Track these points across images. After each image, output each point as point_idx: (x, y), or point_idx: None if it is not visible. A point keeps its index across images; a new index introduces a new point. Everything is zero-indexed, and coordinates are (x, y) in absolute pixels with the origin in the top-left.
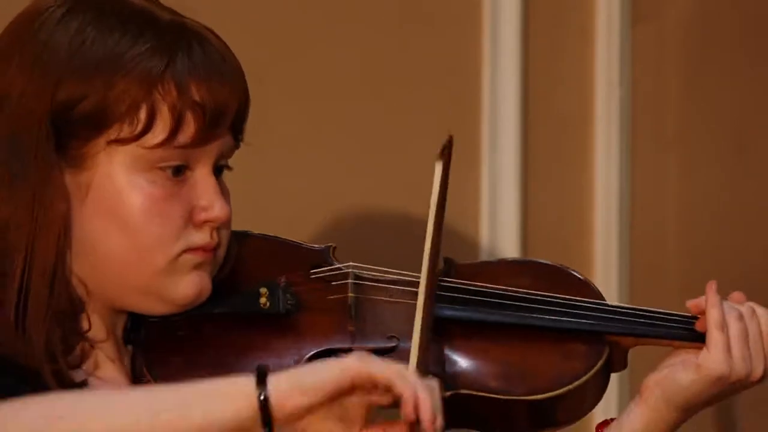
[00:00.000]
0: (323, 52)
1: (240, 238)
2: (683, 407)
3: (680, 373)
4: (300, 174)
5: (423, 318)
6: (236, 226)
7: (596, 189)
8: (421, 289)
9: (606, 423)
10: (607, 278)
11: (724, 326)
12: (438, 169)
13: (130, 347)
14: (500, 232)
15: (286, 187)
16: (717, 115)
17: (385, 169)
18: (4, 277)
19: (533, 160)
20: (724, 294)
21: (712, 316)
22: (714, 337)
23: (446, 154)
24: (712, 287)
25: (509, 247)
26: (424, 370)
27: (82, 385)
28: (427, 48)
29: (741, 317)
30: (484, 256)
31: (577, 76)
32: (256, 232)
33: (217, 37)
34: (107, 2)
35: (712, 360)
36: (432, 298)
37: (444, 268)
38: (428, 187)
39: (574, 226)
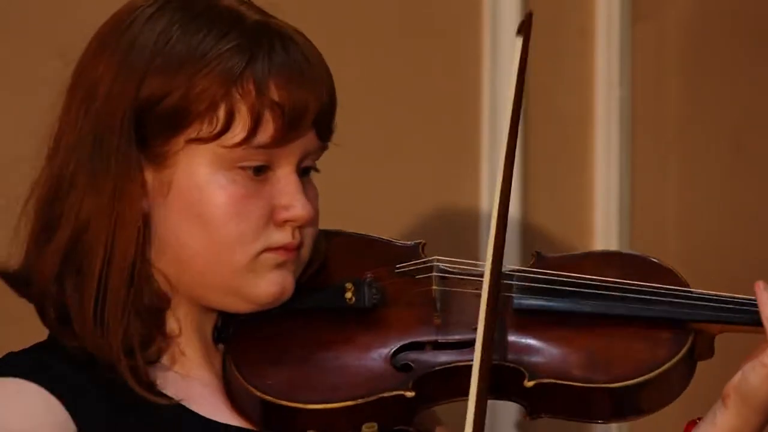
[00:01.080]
0: (322, 51)
1: (331, 235)
2: (763, 409)
3: (751, 374)
4: None
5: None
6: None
7: (596, 189)
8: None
9: (694, 423)
10: None
11: None
12: (516, 45)
13: (221, 346)
14: None
15: None
16: (717, 114)
17: (384, 170)
18: (84, 271)
19: (533, 160)
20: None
21: (764, 314)
22: None
23: (525, 30)
24: (759, 286)
25: (509, 248)
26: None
27: (153, 385)
28: (427, 48)
29: None
30: (484, 257)
31: (577, 76)
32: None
33: (304, 38)
34: (197, 2)
35: None
36: (499, 270)
37: (532, 261)
38: (428, 188)
39: (574, 226)
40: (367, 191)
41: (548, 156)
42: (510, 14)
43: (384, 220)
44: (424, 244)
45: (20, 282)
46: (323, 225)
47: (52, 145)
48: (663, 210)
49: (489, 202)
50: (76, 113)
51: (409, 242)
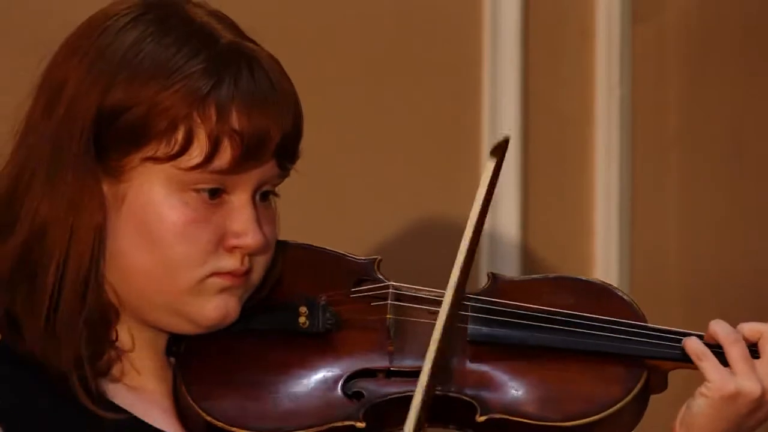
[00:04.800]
0: (322, 52)
1: (284, 248)
2: None
3: (693, 404)
4: (296, 176)
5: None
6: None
7: (596, 189)
8: (447, 299)
9: None
10: (607, 280)
11: (703, 355)
12: (489, 166)
13: (172, 359)
14: (500, 233)
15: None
16: (717, 115)
17: (384, 170)
18: (37, 281)
19: (533, 160)
20: (727, 302)
21: (689, 350)
22: (701, 366)
23: (499, 152)
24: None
25: (509, 249)
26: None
27: (102, 398)
28: (427, 48)
29: (738, 340)
30: (483, 258)
31: (578, 76)
32: (299, 242)
33: (276, 63)
34: (172, 16)
35: (711, 383)
36: (457, 306)
37: (487, 283)
38: (428, 188)
39: (574, 226)
40: (365, 193)
41: (548, 156)
42: (510, 14)
43: (381, 223)
44: (380, 260)
45: None
46: (322, 228)
47: (15, 144)
48: (663, 210)
49: None
50: (40, 115)
51: (364, 258)
